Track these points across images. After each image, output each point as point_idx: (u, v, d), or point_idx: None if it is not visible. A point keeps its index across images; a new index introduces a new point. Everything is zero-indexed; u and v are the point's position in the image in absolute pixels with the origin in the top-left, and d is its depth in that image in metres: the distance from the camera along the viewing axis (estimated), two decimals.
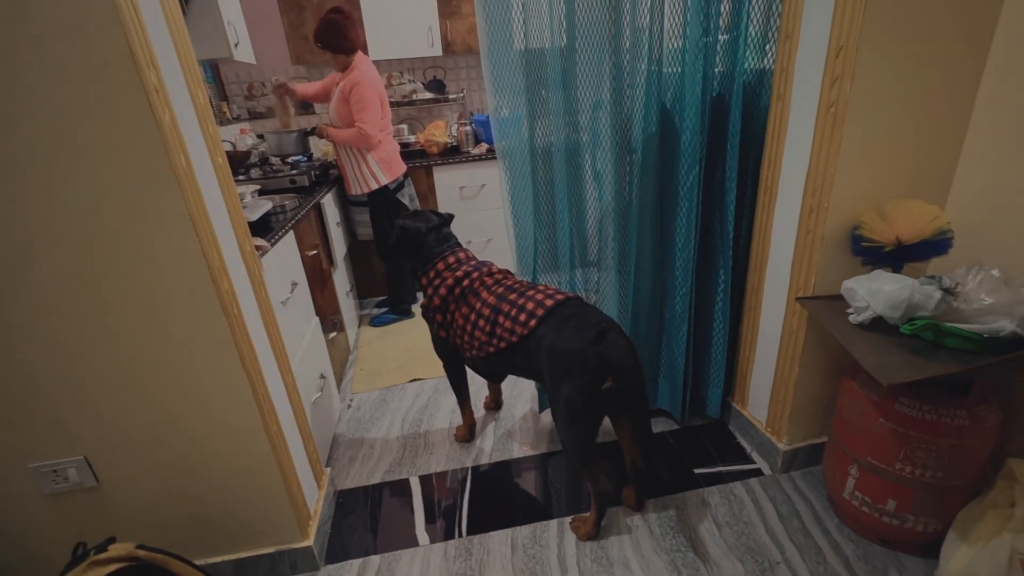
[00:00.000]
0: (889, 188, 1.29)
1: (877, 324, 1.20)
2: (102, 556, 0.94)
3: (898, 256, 1.22)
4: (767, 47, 1.42)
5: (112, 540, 0.98)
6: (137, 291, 1.05)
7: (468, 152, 3.10)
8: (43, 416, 1.11)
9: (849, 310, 1.23)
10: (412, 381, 2.30)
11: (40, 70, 0.87)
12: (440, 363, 1.78)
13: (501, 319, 1.40)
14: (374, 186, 2.55)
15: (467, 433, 1.86)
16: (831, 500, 1.46)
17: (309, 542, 1.36)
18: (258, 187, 1.97)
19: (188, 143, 1.02)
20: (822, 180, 1.27)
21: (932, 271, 1.34)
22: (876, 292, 1.15)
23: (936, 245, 1.18)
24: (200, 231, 1.03)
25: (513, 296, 1.42)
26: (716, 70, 1.46)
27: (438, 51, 3.10)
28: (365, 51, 2.50)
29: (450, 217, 1.69)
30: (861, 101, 1.18)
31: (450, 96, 3.38)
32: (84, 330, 1.05)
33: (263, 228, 1.63)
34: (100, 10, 0.85)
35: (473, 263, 1.58)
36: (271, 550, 1.34)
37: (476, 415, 1.97)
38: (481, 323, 1.44)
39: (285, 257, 1.66)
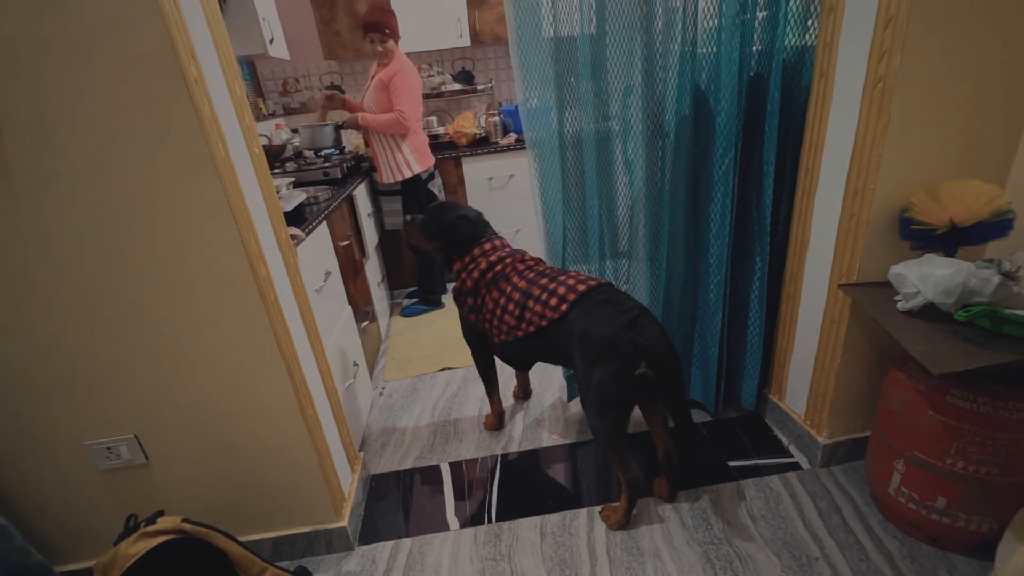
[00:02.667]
0: (941, 167, 1.21)
1: (927, 312, 1.13)
2: (151, 528, 0.99)
3: (951, 239, 1.15)
4: (809, 22, 1.36)
5: (161, 513, 1.03)
6: (179, 277, 1.09)
7: (496, 143, 3.09)
8: (96, 396, 1.18)
9: (897, 297, 1.17)
10: (442, 370, 2.32)
11: (87, 63, 0.91)
12: (469, 352, 1.80)
13: (531, 303, 1.39)
14: (408, 174, 2.57)
15: (496, 422, 1.86)
16: (874, 496, 1.40)
17: (343, 523, 1.40)
18: (293, 179, 2.03)
19: (226, 133, 1.05)
20: (868, 160, 1.21)
21: (989, 255, 1.26)
22: (927, 277, 1.08)
23: (995, 227, 1.11)
24: (238, 218, 1.06)
25: (544, 281, 1.41)
26: (753, 48, 1.40)
27: (466, 41, 3.10)
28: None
29: (479, 213, 1.70)
30: (911, 75, 1.12)
31: (478, 87, 3.37)
32: (131, 314, 1.11)
33: (297, 218, 1.67)
34: (141, 3, 0.88)
35: (508, 250, 1.58)
36: (308, 529, 1.39)
37: (505, 404, 1.98)
38: (511, 307, 1.44)
39: (319, 247, 1.70)
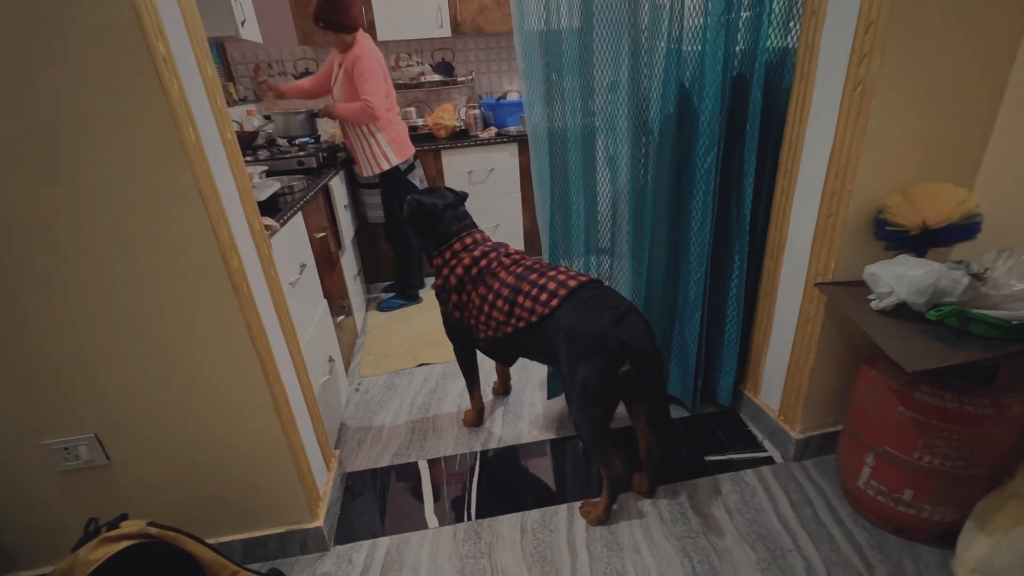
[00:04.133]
0: (914, 170, 1.25)
1: (900, 310, 1.17)
2: (114, 533, 0.93)
3: (924, 241, 1.19)
4: (791, 24, 1.37)
5: (124, 517, 0.98)
6: (146, 267, 1.03)
7: (477, 136, 3.05)
8: (53, 393, 1.11)
9: (871, 296, 1.20)
10: (420, 366, 2.29)
11: (42, 37, 0.85)
12: (448, 348, 1.77)
13: (521, 299, 1.37)
14: (385, 166, 2.51)
15: (476, 418, 1.85)
16: (845, 489, 1.44)
17: (319, 523, 1.36)
18: (266, 168, 1.96)
19: (197, 116, 1.00)
20: (846, 162, 1.23)
21: (954, 256, 1.31)
22: (900, 277, 1.11)
23: (964, 229, 1.15)
24: (210, 207, 1.01)
25: (533, 276, 1.39)
26: (737, 48, 1.41)
27: (447, 32, 3.04)
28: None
29: (464, 195, 1.66)
30: (889, 79, 1.14)
31: (459, 79, 3.32)
32: (93, 306, 1.04)
33: (271, 209, 1.61)
34: None
35: (490, 244, 1.56)
36: (281, 530, 1.35)
37: (484, 400, 1.96)
38: (500, 303, 1.42)
39: (294, 238, 1.64)
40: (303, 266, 1.66)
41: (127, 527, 0.95)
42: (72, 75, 0.88)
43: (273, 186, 1.72)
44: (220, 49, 3.09)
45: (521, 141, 3.02)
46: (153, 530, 0.97)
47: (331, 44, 2.38)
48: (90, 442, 1.16)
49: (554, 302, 1.31)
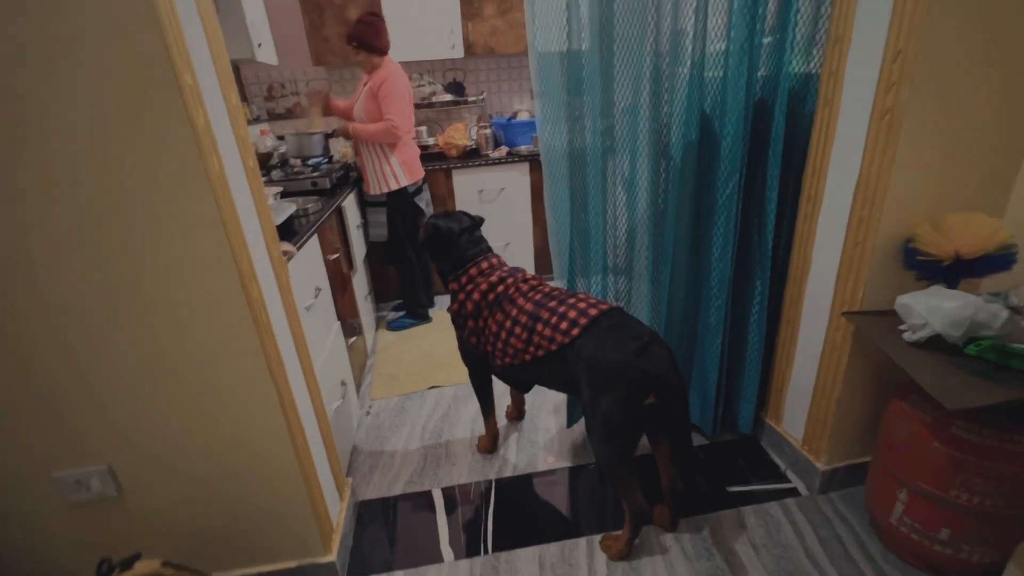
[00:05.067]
0: (944, 199, 1.23)
1: (932, 342, 1.13)
2: (127, 574, 0.90)
3: (956, 271, 1.16)
4: (814, 50, 1.37)
5: (138, 556, 0.95)
6: (164, 298, 1.01)
7: (487, 155, 3.06)
8: (66, 424, 1.08)
9: (902, 327, 1.17)
10: (431, 388, 2.26)
11: (76, 68, 0.84)
12: (460, 369, 1.74)
13: (540, 327, 1.35)
14: (394, 186, 2.52)
15: (490, 444, 1.81)
16: (875, 524, 1.39)
17: (332, 557, 1.32)
18: (280, 189, 1.95)
19: (220, 145, 0.99)
20: (874, 190, 1.21)
21: (985, 287, 1.28)
22: (935, 309, 1.08)
23: (1000, 260, 1.12)
24: (232, 236, 0.99)
25: (553, 304, 1.37)
26: (759, 74, 1.41)
27: (459, 53, 3.06)
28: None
29: (481, 220, 1.64)
30: (919, 108, 1.13)
31: (470, 98, 3.34)
32: (108, 337, 1.02)
33: (287, 232, 1.60)
34: (137, 7, 0.82)
35: (507, 269, 1.54)
36: (294, 564, 1.31)
37: (498, 425, 1.92)
38: (518, 330, 1.39)
39: (310, 262, 1.63)
40: (318, 290, 1.64)
41: (141, 567, 0.92)
42: (101, 106, 0.87)
43: (289, 209, 1.71)
44: (235, 70, 3.12)
45: (532, 160, 3.02)
46: (168, 571, 0.93)
47: (359, 65, 2.43)
48: (103, 474, 1.13)
49: (575, 331, 1.28)
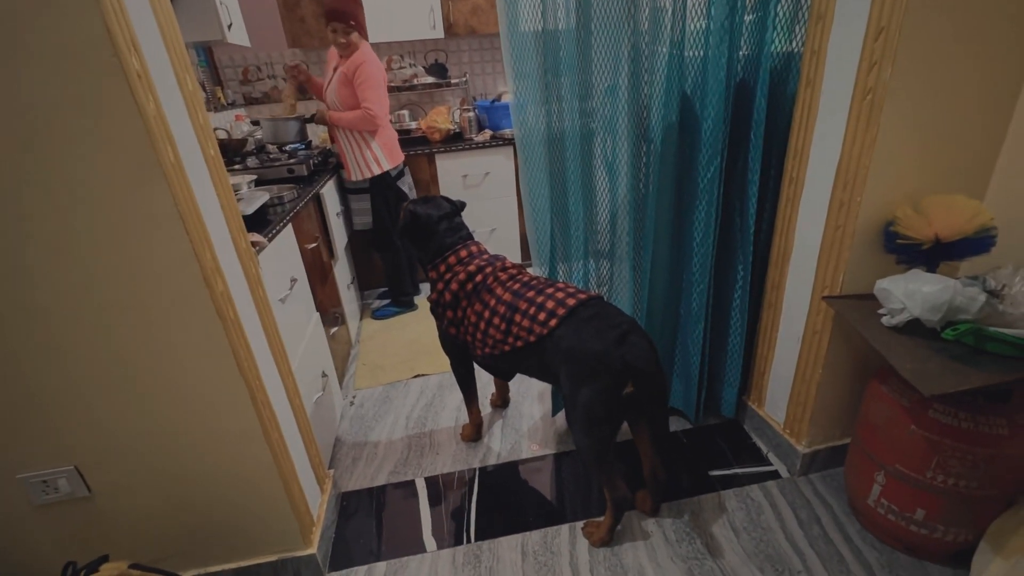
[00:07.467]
0: (926, 181, 1.21)
1: (911, 326, 1.13)
2: None
3: (935, 254, 1.15)
4: (796, 28, 1.33)
5: (105, 559, 0.93)
6: (126, 294, 0.97)
7: (471, 139, 3.00)
8: (31, 425, 1.05)
9: (882, 311, 1.17)
10: (416, 377, 2.24)
11: (6, 54, 0.79)
12: (445, 359, 1.72)
13: (518, 317, 1.32)
14: (376, 171, 2.46)
15: (474, 432, 1.80)
16: (853, 506, 1.41)
17: (312, 549, 1.31)
18: (254, 177, 1.89)
19: (176, 134, 0.94)
20: (855, 173, 1.19)
21: (964, 271, 1.27)
22: (914, 293, 1.07)
23: (978, 243, 1.11)
24: (191, 230, 0.95)
25: (531, 294, 1.34)
26: (741, 53, 1.37)
27: (440, 33, 2.98)
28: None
29: (462, 205, 1.60)
30: (901, 88, 1.10)
31: (452, 81, 3.26)
32: (72, 334, 0.99)
33: (260, 222, 1.55)
34: None
35: (486, 257, 1.51)
36: (273, 558, 1.30)
37: (482, 413, 1.91)
38: (496, 320, 1.37)
39: (284, 252, 1.59)
40: (294, 280, 1.60)
41: (107, 570, 0.90)
42: (40, 96, 0.82)
43: (262, 197, 1.66)
44: (207, 53, 3.02)
45: None
46: (135, 573, 0.92)
47: (340, 48, 2.31)
48: (70, 474, 1.10)
49: (553, 322, 1.26)
